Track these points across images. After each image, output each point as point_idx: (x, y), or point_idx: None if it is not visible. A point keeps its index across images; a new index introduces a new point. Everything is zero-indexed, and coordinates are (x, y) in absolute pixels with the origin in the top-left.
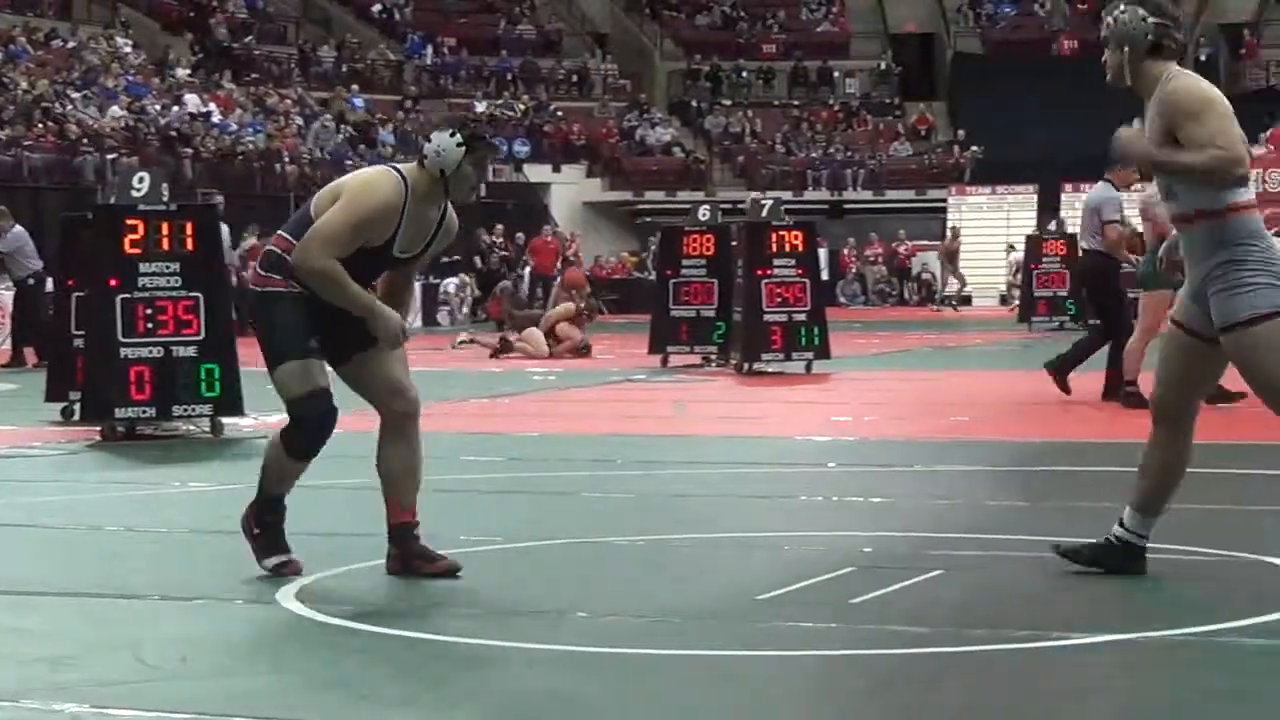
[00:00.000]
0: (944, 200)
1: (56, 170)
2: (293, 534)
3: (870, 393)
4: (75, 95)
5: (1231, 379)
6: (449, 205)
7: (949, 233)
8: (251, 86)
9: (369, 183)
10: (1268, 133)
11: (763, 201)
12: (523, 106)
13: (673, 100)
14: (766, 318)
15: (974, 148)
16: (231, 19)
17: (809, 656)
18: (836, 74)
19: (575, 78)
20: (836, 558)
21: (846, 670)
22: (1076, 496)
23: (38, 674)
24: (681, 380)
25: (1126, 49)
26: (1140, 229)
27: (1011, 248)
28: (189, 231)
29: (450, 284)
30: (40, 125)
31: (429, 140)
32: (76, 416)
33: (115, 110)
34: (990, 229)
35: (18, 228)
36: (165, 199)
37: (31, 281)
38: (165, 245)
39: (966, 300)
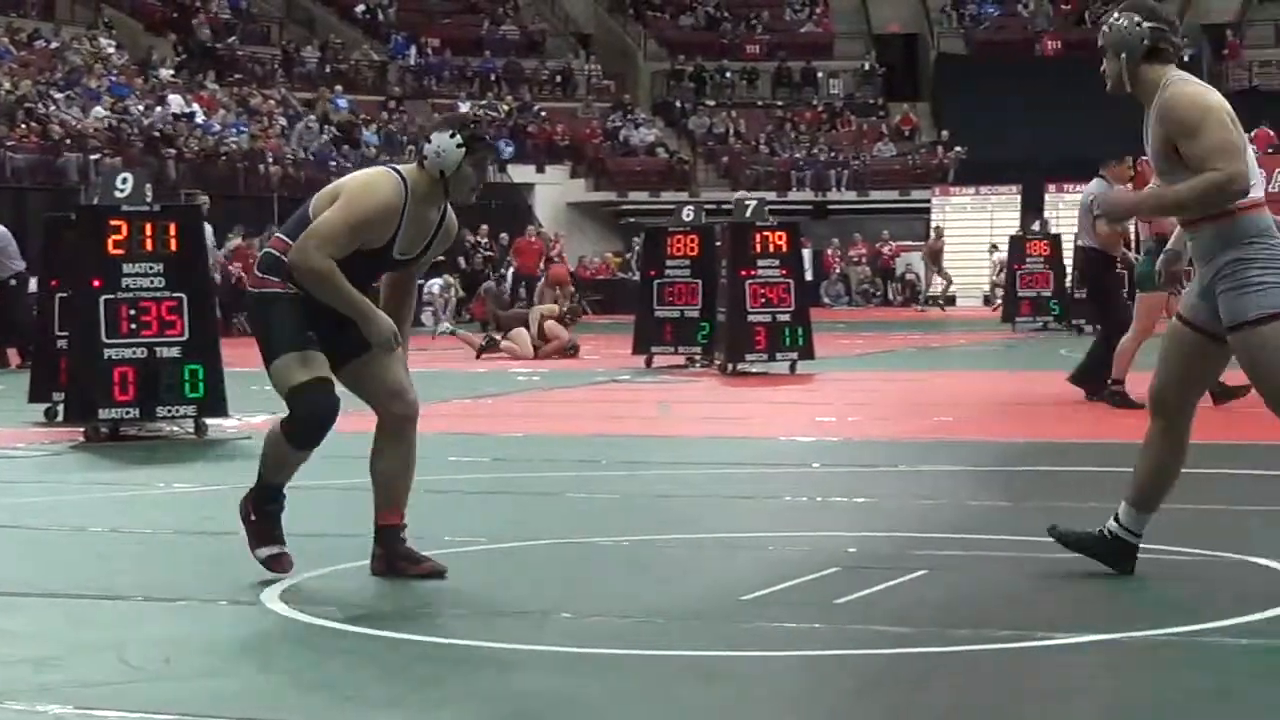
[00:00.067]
0: (928, 201)
1: (40, 171)
2: None
3: (854, 393)
4: (58, 95)
5: (1231, 375)
6: (448, 206)
7: (932, 232)
8: (235, 87)
9: (368, 184)
10: (1253, 133)
11: (747, 202)
12: (506, 107)
13: (656, 101)
14: (750, 318)
15: (958, 148)
16: (215, 19)
17: (794, 657)
18: (820, 74)
19: (559, 78)
20: (821, 558)
21: (831, 670)
22: (1060, 496)
23: (21, 675)
24: (666, 381)
25: (1124, 56)
26: (1134, 228)
27: (995, 248)
28: (172, 232)
29: (435, 285)
30: (23, 126)
31: (428, 141)
32: (60, 417)
33: (99, 111)
34: (974, 229)
35: (1, 228)
36: (149, 199)
37: (14, 282)
38: (149, 246)
39: (951, 300)
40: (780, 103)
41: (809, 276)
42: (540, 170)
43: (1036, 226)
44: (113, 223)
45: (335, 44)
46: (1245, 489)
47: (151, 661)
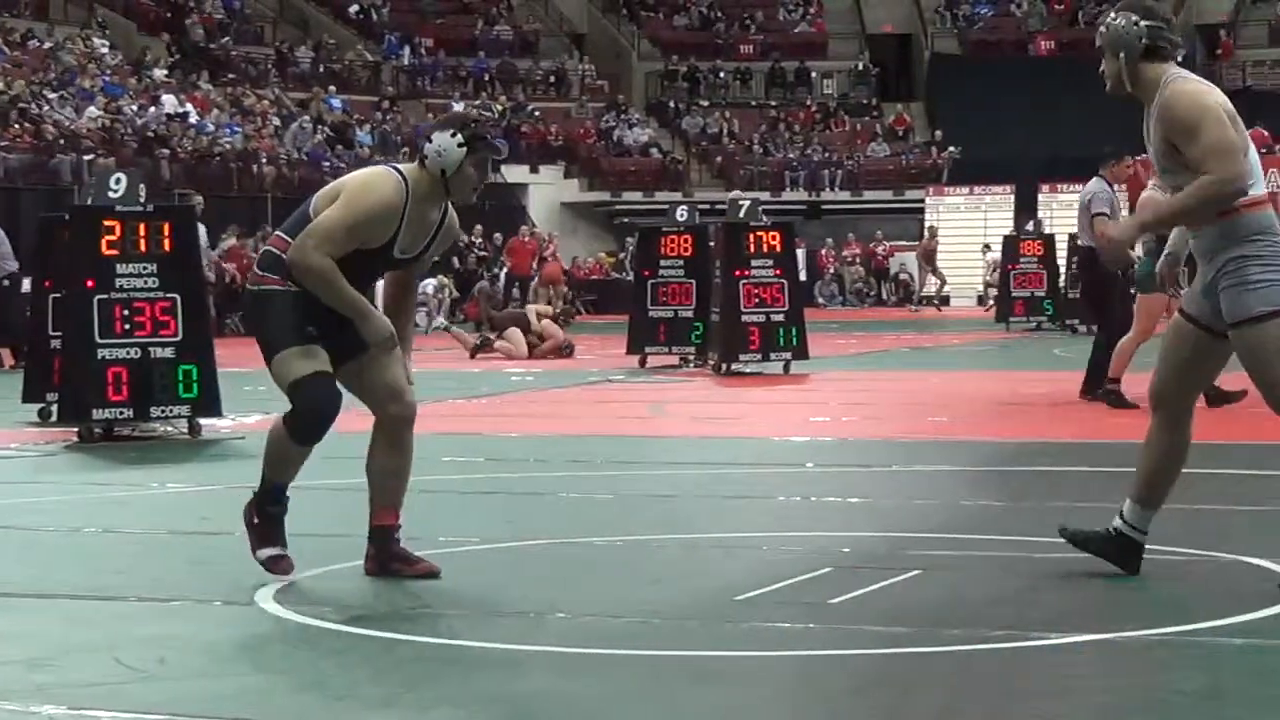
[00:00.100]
0: (921, 201)
1: (33, 171)
2: None
3: (848, 393)
4: (52, 96)
5: (1227, 380)
6: (449, 206)
7: (926, 232)
8: (229, 87)
9: (368, 183)
10: (1248, 132)
11: (741, 202)
12: (500, 107)
13: (650, 101)
14: (744, 318)
15: (951, 148)
16: (208, 19)
17: (787, 657)
18: (814, 74)
19: (553, 78)
20: (814, 558)
21: (825, 670)
22: (1054, 496)
23: (15, 675)
24: (659, 381)
25: (1123, 55)
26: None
27: (987, 248)
28: (166, 232)
29: (429, 285)
30: (17, 126)
31: (430, 140)
32: (54, 418)
33: (92, 111)
34: (968, 229)
35: None
36: (142, 200)
37: (7, 282)
38: (142, 246)
39: (946, 300)
40: (774, 103)
41: (803, 276)
42: (534, 170)
43: (1030, 226)
44: (106, 223)
45: (329, 44)
46: (1238, 489)
47: (146, 662)
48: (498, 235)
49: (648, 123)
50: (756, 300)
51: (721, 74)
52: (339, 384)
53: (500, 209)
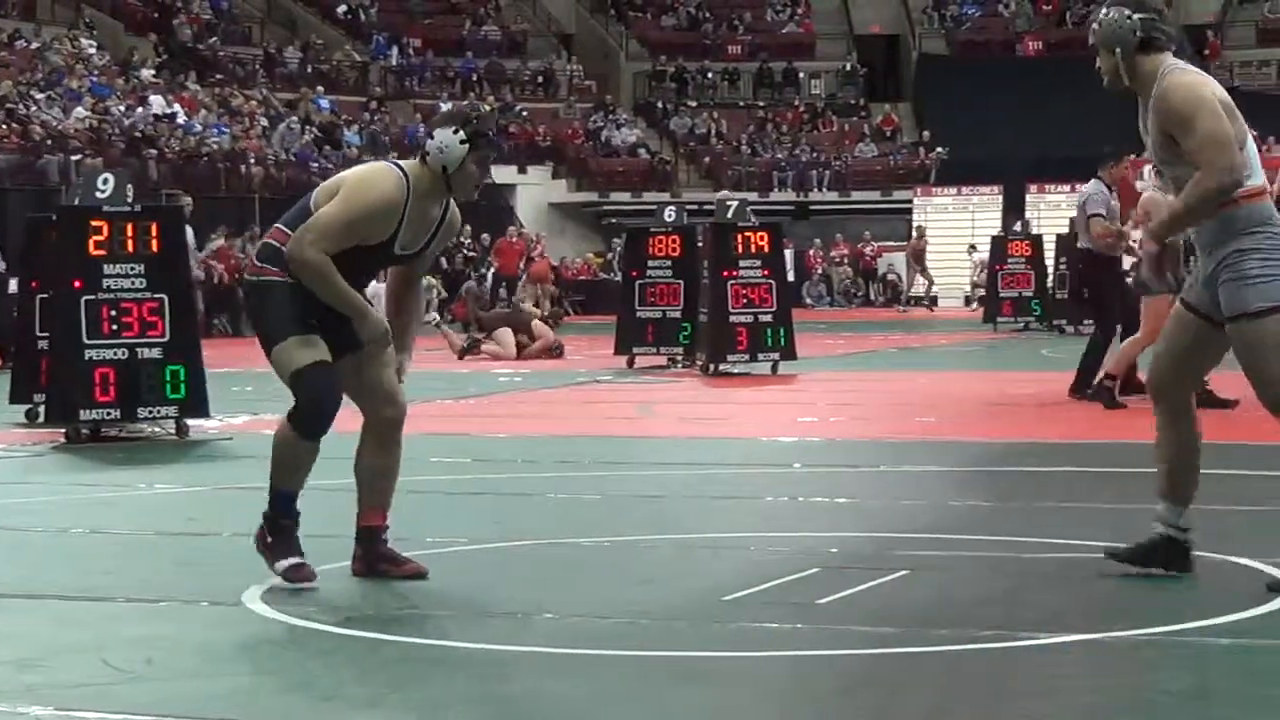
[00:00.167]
0: (909, 201)
1: (20, 171)
2: None
3: (836, 393)
4: (39, 96)
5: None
6: (451, 202)
7: (914, 232)
8: (216, 87)
9: (368, 179)
10: None
11: (729, 202)
12: (488, 107)
13: (638, 101)
14: (732, 319)
15: (939, 148)
16: (196, 20)
17: (775, 657)
18: (802, 75)
19: (540, 79)
20: (802, 558)
21: (813, 671)
22: (1042, 497)
23: (3, 676)
24: (647, 381)
25: (1118, 50)
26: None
27: (973, 248)
28: (154, 233)
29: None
30: (4, 126)
31: (431, 136)
32: (41, 418)
33: (80, 111)
34: (955, 230)
35: None
36: (130, 200)
37: None
38: (130, 247)
39: (935, 300)
40: (762, 103)
41: (791, 277)
42: (522, 171)
43: (1018, 227)
44: (94, 223)
45: (316, 44)
46: (1226, 489)
47: (133, 663)
48: (485, 235)
49: (636, 123)
50: (744, 301)
51: (709, 74)
52: None
53: (488, 209)
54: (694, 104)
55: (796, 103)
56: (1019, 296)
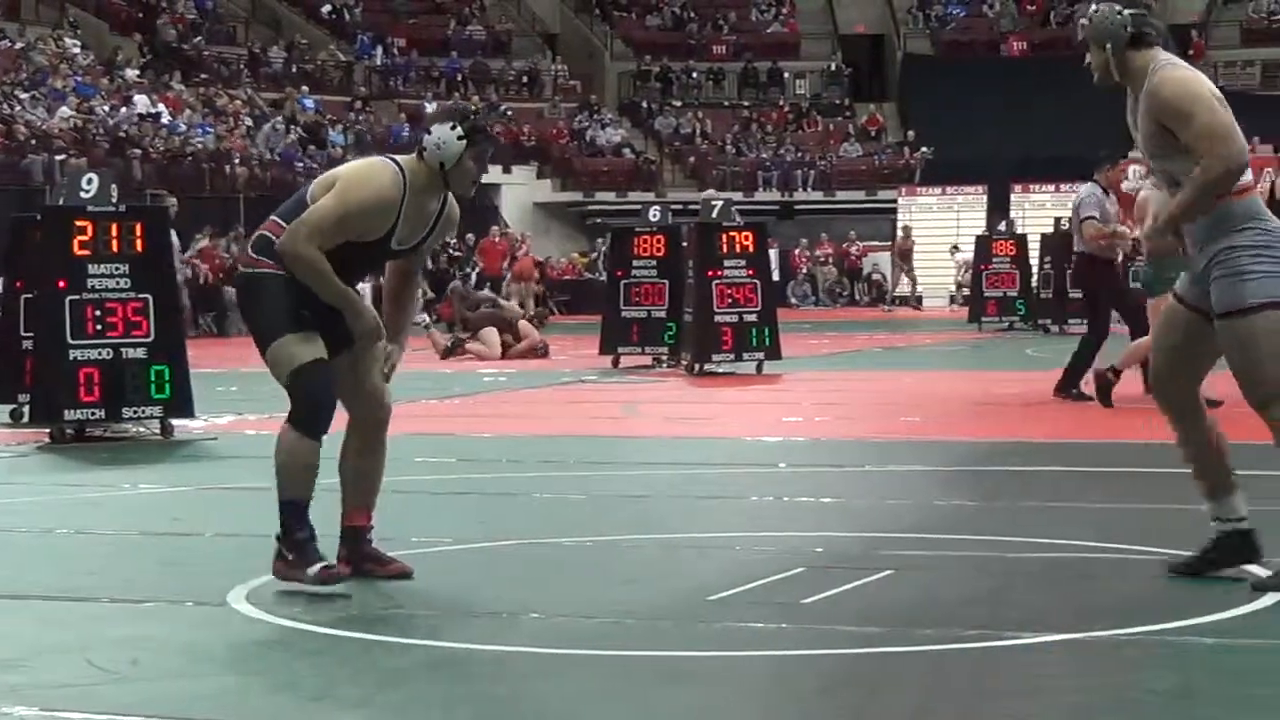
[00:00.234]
0: (894, 201)
1: (4, 171)
2: (244, 536)
3: (821, 393)
4: (23, 96)
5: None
6: (449, 195)
7: (900, 232)
8: (201, 87)
9: (364, 175)
10: None
11: (713, 202)
12: (473, 107)
13: (623, 101)
14: (717, 318)
15: (924, 148)
16: (180, 20)
17: (760, 657)
18: (786, 75)
19: (525, 78)
20: (787, 558)
21: (798, 670)
22: (1026, 496)
23: None
24: (632, 381)
25: (1109, 46)
26: (1124, 227)
27: (956, 248)
28: (138, 233)
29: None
30: None
31: (429, 132)
32: (25, 419)
33: (64, 111)
34: (940, 229)
35: None
36: (114, 200)
37: None
38: (114, 247)
39: (920, 300)
40: (747, 103)
41: (775, 277)
42: (506, 171)
43: (1002, 227)
44: (78, 223)
45: (301, 44)
46: None
47: (118, 663)
48: (470, 235)
49: (620, 123)
50: (729, 300)
51: (694, 74)
52: None
53: (473, 209)
54: (679, 104)
55: (781, 102)
56: (1004, 296)
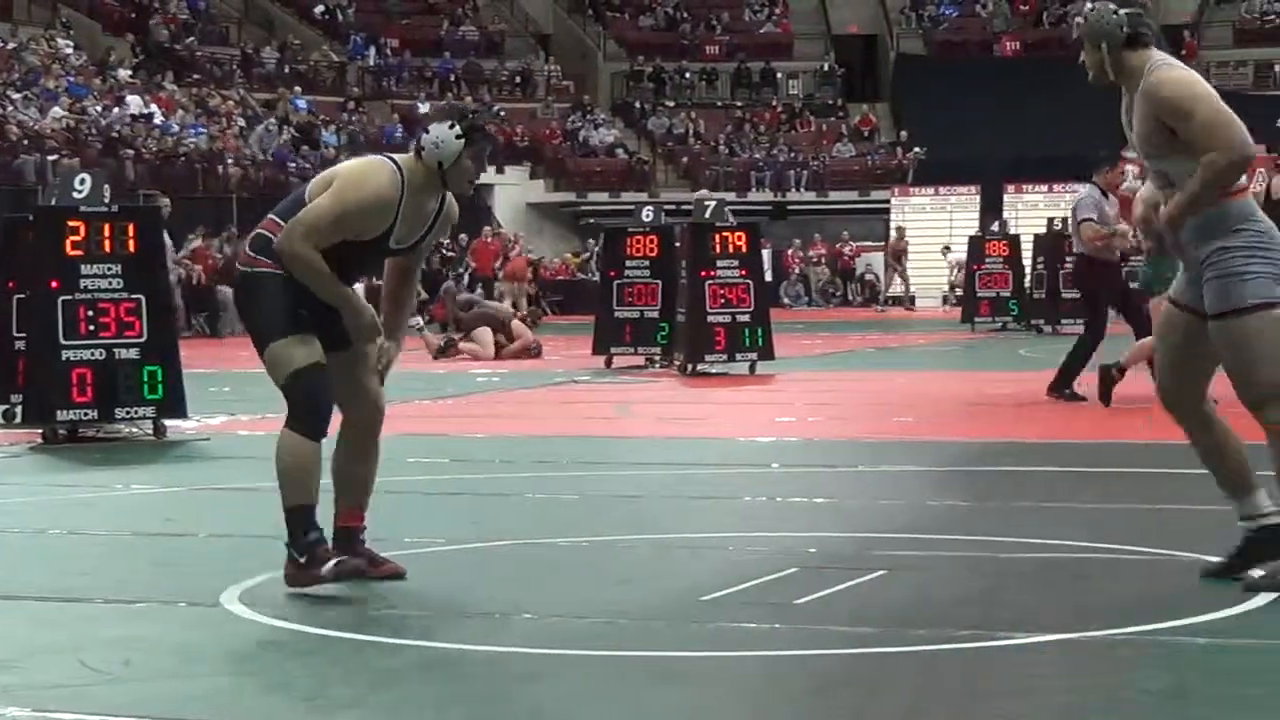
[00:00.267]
0: (887, 201)
1: None
2: (237, 536)
3: (814, 393)
4: (16, 96)
5: None
6: (448, 194)
7: (894, 232)
8: (193, 88)
9: (361, 174)
10: None
11: (706, 202)
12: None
13: (616, 101)
14: (710, 319)
15: (917, 149)
16: (173, 20)
17: (753, 657)
18: (779, 75)
19: (518, 79)
20: (780, 558)
21: (791, 671)
22: (1019, 496)
23: None
24: (625, 381)
25: (1105, 45)
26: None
27: (947, 249)
28: (131, 233)
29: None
30: None
31: (427, 131)
32: (18, 419)
33: (56, 111)
34: (933, 230)
35: None
36: (107, 200)
37: None
38: (107, 247)
39: (912, 300)
40: (739, 103)
41: (768, 277)
42: (500, 171)
43: (995, 227)
44: (71, 224)
45: (294, 45)
46: (1201, 489)
47: (111, 664)
48: (463, 236)
49: (613, 123)
50: (722, 301)
51: (687, 74)
52: None
53: (466, 209)
54: (672, 104)
55: (774, 103)
56: (997, 296)
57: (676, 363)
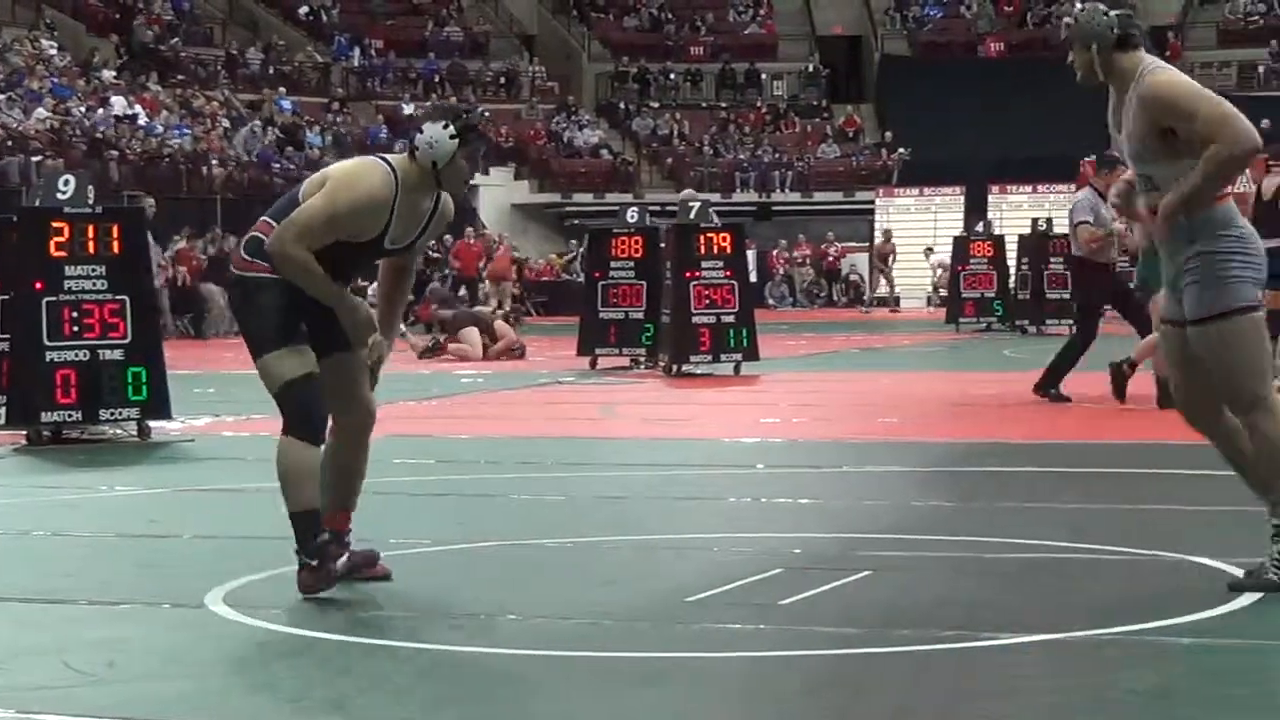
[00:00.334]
0: (871, 202)
1: None
2: (221, 538)
3: (798, 394)
4: (0, 97)
5: None
6: (443, 193)
7: (881, 236)
8: (178, 88)
9: (353, 176)
10: None
11: (691, 203)
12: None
13: (601, 102)
14: (695, 319)
15: (901, 149)
16: (157, 21)
17: (738, 658)
18: (764, 76)
19: (503, 80)
20: (765, 559)
21: (776, 671)
22: (1003, 497)
23: None
24: (610, 382)
25: (1095, 46)
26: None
27: (930, 250)
28: (115, 234)
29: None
30: None
31: (420, 131)
32: (2, 420)
33: (40, 112)
34: (918, 231)
35: None
36: (91, 202)
37: None
38: (91, 248)
39: (897, 301)
40: (724, 104)
41: (753, 278)
42: (484, 172)
43: (980, 228)
44: (55, 225)
45: (278, 45)
46: (1185, 489)
47: (95, 665)
48: (448, 237)
49: (598, 124)
50: (707, 301)
51: (672, 75)
52: None
53: (455, 209)
54: (656, 105)
55: (759, 104)
56: (981, 297)
57: (661, 364)
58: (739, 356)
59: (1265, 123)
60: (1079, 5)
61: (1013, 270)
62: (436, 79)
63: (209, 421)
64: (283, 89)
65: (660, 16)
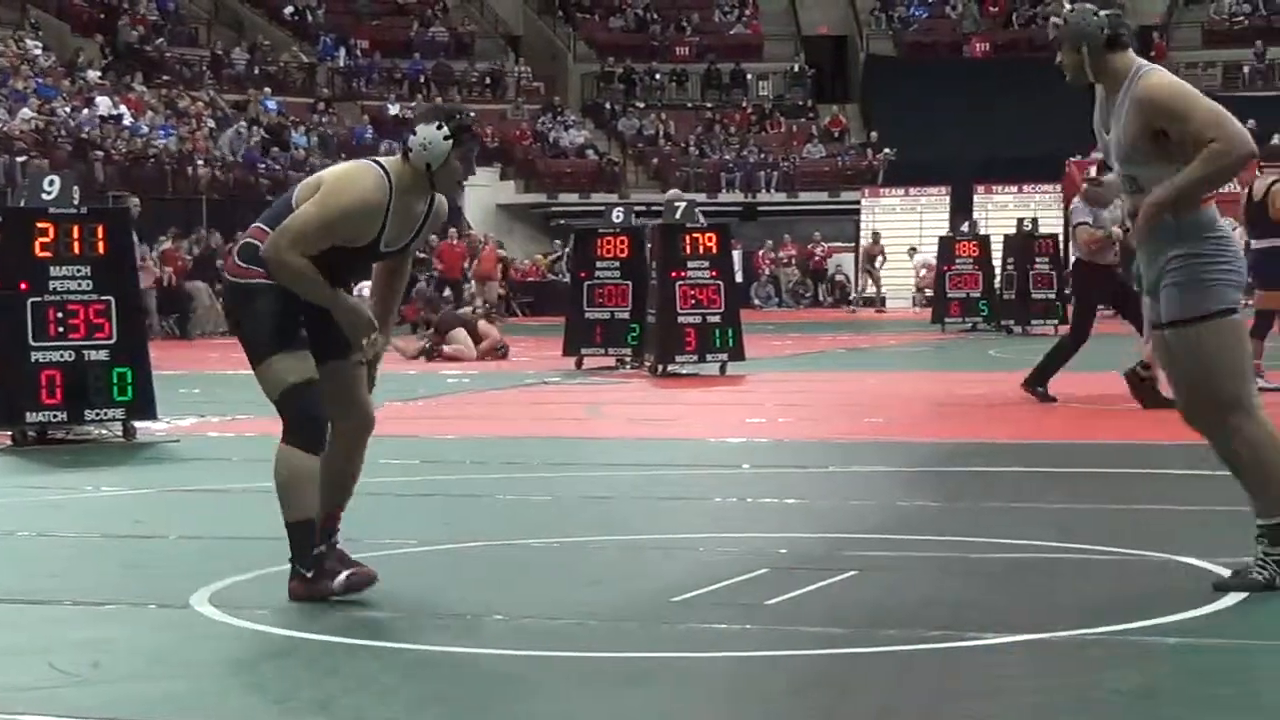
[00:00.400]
0: (857, 202)
1: None
2: (207, 538)
3: (784, 394)
4: None
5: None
6: (436, 193)
7: (869, 237)
8: (163, 89)
9: (346, 180)
10: None
11: (677, 203)
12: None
13: (586, 102)
14: (680, 319)
15: (887, 149)
16: (142, 21)
17: (724, 658)
18: (749, 76)
19: (488, 80)
20: (751, 559)
21: (762, 671)
22: (989, 497)
23: None
24: (596, 382)
25: (1085, 47)
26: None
27: (914, 250)
28: (100, 235)
29: (365, 287)
30: None
31: (414, 133)
32: None
33: (25, 113)
34: (903, 231)
35: None
36: (76, 202)
37: None
38: (76, 249)
39: (883, 301)
40: (710, 104)
41: (739, 278)
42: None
43: (965, 228)
44: (40, 225)
45: (264, 45)
46: (1171, 489)
47: (80, 666)
48: (433, 238)
49: (584, 124)
50: (692, 302)
51: (657, 76)
52: None
53: None
54: (642, 105)
55: (744, 104)
56: (967, 297)
57: (647, 364)
58: (725, 356)
59: (1251, 123)
60: (1068, 5)
61: (998, 270)
62: (422, 79)
63: (194, 422)
64: (268, 89)
65: (646, 17)
